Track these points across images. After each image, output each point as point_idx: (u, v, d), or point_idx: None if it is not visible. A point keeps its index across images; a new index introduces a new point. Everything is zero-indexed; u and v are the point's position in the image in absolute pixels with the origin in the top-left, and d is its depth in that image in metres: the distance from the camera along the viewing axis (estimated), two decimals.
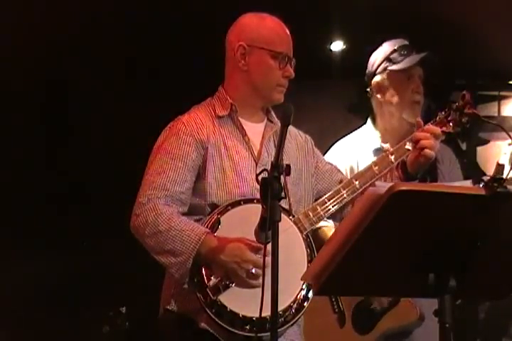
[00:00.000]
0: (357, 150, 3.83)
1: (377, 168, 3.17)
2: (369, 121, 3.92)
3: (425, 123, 3.19)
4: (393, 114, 3.82)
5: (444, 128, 3.18)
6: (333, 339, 3.66)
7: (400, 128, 3.80)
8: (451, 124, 3.19)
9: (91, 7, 4.61)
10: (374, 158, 3.28)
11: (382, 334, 3.61)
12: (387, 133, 3.86)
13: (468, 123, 3.19)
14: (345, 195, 3.14)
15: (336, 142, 3.95)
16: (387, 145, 3.77)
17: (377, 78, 3.83)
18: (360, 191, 3.14)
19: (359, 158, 3.79)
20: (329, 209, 3.12)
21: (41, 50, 4.78)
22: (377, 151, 3.75)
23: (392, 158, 3.17)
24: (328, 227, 3.66)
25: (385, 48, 3.85)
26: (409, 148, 3.15)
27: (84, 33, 4.74)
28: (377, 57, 3.86)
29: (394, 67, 3.79)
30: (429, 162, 3.12)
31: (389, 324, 3.61)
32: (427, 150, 3.08)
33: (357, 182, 3.15)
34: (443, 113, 3.22)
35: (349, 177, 3.26)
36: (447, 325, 2.20)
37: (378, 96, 3.85)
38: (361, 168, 3.41)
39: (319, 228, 3.65)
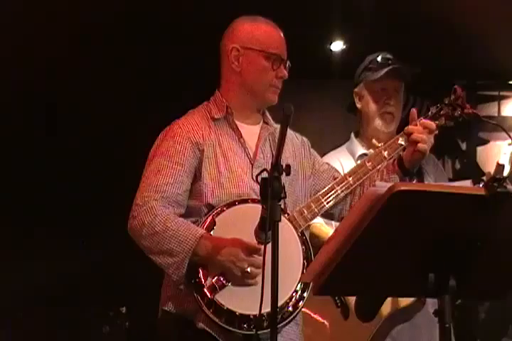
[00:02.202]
0: (342, 162, 3.86)
1: (370, 163, 3.18)
2: (352, 134, 4.00)
3: None
4: (369, 123, 3.90)
5: (437, 122, 3.20)
6: (337, 331, 3.68)
7: (377, 137, 3.84)
8: (443, 118, 3.21)
9: (90, 8, 4.62)
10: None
11: (386, 319, 3.62)
12: (369, 141, 3.89)
13: (461, 117, 3.21)
14: (339, 191, 3.14)
15: (326, 153, 3.98)
16: (370, 151, 3.80)
17: (357, 87, 3.94)
18: (354, 187, 3.15)
19: (345, 169, 3.82)
20: (324, 206, 3.12)
21: (41, 50, 4.78)
22: (362, 157, 3.78)
23: (385, 153, 3.19)
24: (319, 223, 3.67)
25: (368, 58, 3.94)
26: (402, 143, 3.17)
27: (83, 32, 4.74)
28: (360, 66, 3.96)
29: (369, 77, 3.88)
30: (424, 156, 3.14)
31: (390, 308, 3.62)
32: (420, 145, 3.09)
33: (350, 179, 3.16)
34: (435, 107, 3.24)
35: None
36: (447, 325, 2.20)
37: (359, 105, 3.95)
38: None
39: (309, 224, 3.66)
